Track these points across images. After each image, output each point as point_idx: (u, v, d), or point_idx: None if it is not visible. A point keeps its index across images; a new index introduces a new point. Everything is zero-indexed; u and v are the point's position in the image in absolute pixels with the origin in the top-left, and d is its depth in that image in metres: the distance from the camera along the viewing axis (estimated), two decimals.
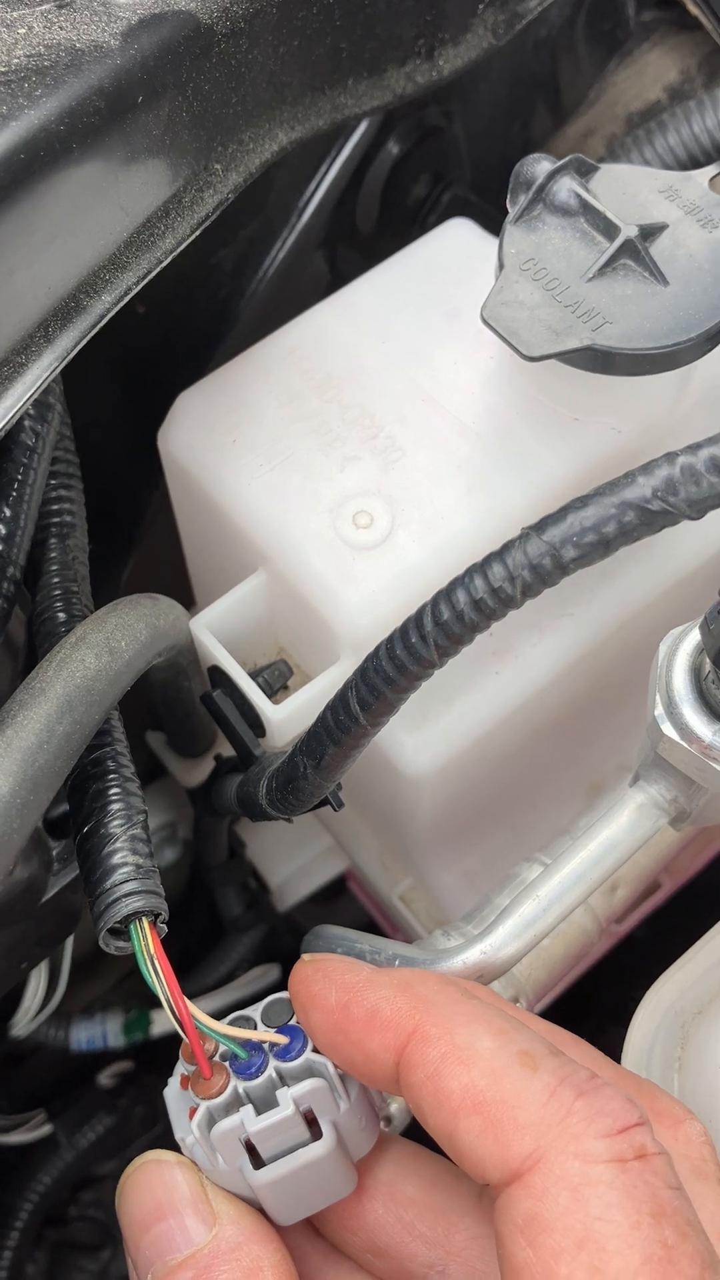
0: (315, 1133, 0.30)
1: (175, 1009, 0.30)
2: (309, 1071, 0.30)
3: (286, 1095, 0.29)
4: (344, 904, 0.60)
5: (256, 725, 0.39)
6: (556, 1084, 0.26)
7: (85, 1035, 0.61)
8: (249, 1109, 0.29)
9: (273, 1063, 0.30)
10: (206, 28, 0.33)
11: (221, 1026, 0.30)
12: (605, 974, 0.51)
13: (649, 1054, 0.37)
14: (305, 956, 0.30)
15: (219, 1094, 0.29)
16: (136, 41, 0.32)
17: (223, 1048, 0.30)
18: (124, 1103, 0.65)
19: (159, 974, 0.30)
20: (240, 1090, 0.29)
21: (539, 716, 0.44)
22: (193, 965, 0.64)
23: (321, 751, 0.33)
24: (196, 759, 0.50)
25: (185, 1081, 0.30)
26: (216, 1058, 0.30)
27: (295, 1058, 0.30)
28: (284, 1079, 0.30)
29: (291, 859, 0.57)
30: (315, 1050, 0.30)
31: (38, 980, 0.56)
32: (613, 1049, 0.37)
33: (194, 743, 0.49)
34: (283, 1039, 0.30)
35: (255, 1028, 0.30)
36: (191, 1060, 0.30)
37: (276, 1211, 0.30)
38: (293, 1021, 0.30)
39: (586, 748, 0.49)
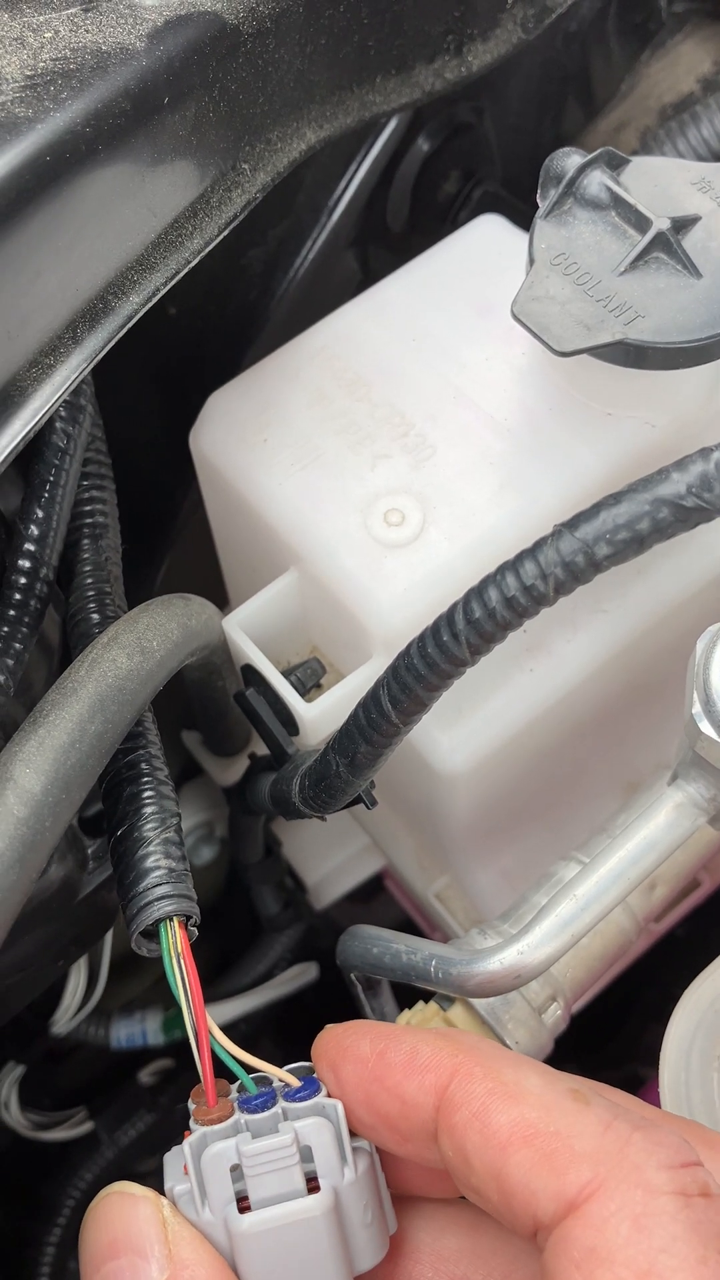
0: (313, 1190, 0.28)
1: (194, 1016, 0.29)
2: (318, 1113, 0.28)
3: (289, 1126, 0.28)
4: (381, 903, 0.60)
5: (290, 723, 0.39)
6: (611, 1118, 0.25)
7: (125, 1033, 0.61)
8: (245, 1135, 0.28)
9: (281, 1102, 0.28)
10: (233, 28, 0.33)
11: (234, 1049, 0.29)
12: (645, 972, 0.50)
13: (688, 1053, 0.36)
14: (328, 1025, 0.29)
15: (219, 1121, 0.28)
16: (162, 43, 0.32)
17: (233, 1092, 0.29)
18: (165, 1100, 0.65)
19: (184, 977, 0.30)
20: (242, 1121, 0.28)
21: (575, 714, 0.43)
22: (231, 963, 0.64)
23: (354, 749, 0.33)
24: (232, 758, 0.50)
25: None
26: (229, 1097, 0.29)
27: (306, 1099, 0.28)
28: (289, 1117, 0.28)
29: (328, 857, 0.57)
30: (329, 1097, 0.28)
31: (77, 978, 0.57)
32: (653, 1047, 0.37)
33: (229, 741, 0.49)
34: (296, 1081, 0.29)
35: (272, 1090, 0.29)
36: (199, 1099, 0.29)
37: None
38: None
39: (623, 745, 0.48)
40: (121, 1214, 0.28)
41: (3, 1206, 0.64)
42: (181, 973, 0.30)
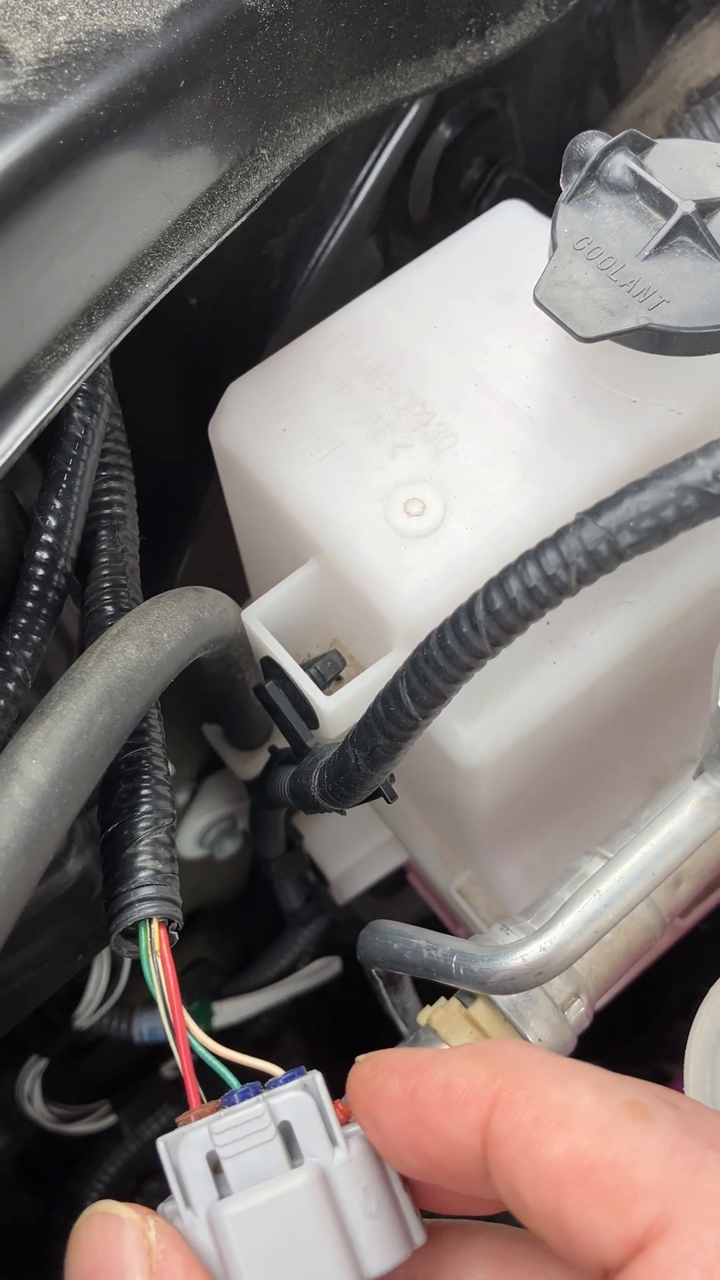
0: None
1: (171, 1017, 0.28)
2: (297, 1088, 0.27)
3: (264, 1098, 0.26)
4: (404, 897, 0.60)
5: (309, 717, 0.39)
6: (679, 1135, 0.22)
7: (148, 1027, 0.61)
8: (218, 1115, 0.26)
9: (265, 1091, 0.27)
10: (250, 10, 0.33)
11: (214, 1045, 0.28)
12: (671, 969, 0.50)
13: (714, 1049, 0.36)
14: (359, 1058, 0.26)
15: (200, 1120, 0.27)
16: (178, 25, 0.31)
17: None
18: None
19: (160, 977, 0.29)
20: (223, 1114, 0.27)
21: (598, 707, 0.43)
22: (254, 958, 0.64)
23: (373, 743, 0.32)
24: (253, 751, 0.50)
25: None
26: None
27: (288, 1082, 0.27)
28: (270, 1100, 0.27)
29: (350, 851, 0.56)
30: (368, 1142, 0.26)
31: (100, 972, 0.57)
32: (679, 1044, 0.36)
33: (250, 735, 0.49)
34: (280, 1071, 0.27)
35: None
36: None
37: None
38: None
39: (648, 739, 0.48)
40: (104, 1240, 0.25)
41: (26, 1199, 0.65)
42: (159, 973, 0.29)
